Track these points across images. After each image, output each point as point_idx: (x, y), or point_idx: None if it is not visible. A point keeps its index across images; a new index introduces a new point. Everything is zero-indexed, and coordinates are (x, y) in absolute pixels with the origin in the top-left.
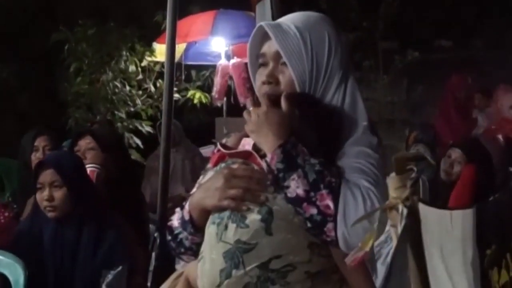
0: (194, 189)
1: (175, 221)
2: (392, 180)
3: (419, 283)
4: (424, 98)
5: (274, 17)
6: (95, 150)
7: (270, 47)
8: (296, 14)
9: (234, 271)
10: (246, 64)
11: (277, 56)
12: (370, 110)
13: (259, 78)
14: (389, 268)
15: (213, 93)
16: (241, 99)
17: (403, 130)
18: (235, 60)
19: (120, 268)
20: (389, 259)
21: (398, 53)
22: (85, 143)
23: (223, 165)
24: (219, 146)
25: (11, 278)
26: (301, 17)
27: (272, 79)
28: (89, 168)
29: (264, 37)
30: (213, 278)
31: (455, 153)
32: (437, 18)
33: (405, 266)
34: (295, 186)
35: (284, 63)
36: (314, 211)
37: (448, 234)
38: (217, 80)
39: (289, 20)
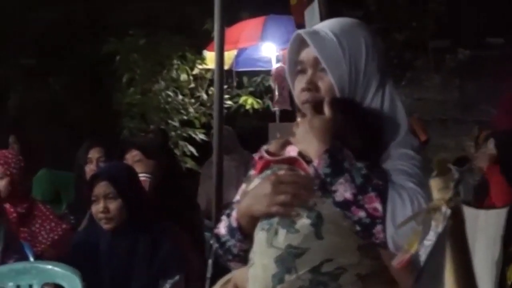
0: (237, 197)
1: (222, 228)
2: (435, 182)
3: (460, 284)
4: (476, 96)
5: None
6: (143, 161)
7: (308, 54)
8: (332, 21)
9: (286, 276)
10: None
11: (315, 63)
12: (421, 109)
13: (298, 85)
14: (422, 269)
15: (275, 99)
16: (282, 105)
17: (455, 129)
18: (278, 65)
19: (177, 277)
20: (423, 259)
21: (448, 52)
22: (131, 156)
23: (269, 171)
24: (263, 153)
25: None
26: (338, 23)
27: (312, 86)
28: (141, 178)
29: (302, 44)
30: (265, 284)
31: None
32: (487, 15)
33: (440, 268)
34: (343, 190)
35: (323, 70)
36: (362, 214)
37: (481, 232)
38: (275, 86)
39: (326, 26)
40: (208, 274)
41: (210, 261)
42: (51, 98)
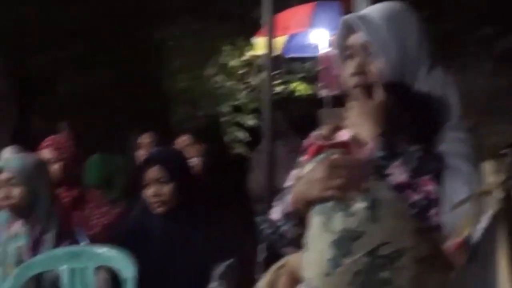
0: (289, 182)
1: (275, 214)
2: (488, 165)
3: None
4: None
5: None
6: (194, 145)
7: (357, 39)
8: (380, 5)
9: (343, 260)
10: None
11: (364, 48)
12: (472, 96)
13: (348, 70)
14: (475, 252)
15: (320, 84)
16: (331, 91)
17: (507, 115)
18: (326, 50)
19: (229, 261)
20: (476, 242)
21: (499, 38)
22: (182, 141)
23: (322, 156)
24: (315, 138)
25: (121, 274)
26: (386, 8)
27: (361, 70)
28: (193, 162)
29: (350, 29)
30: (321, 268)
31: None
32: None
33: (492, 250)
34: (398, 173)
35: (372, 54)
36: (417, 197)
37: None
38: (324, 71)
39: (374, 11)
40: (260, 259)
41: (262, 247)
42: (102, 84)
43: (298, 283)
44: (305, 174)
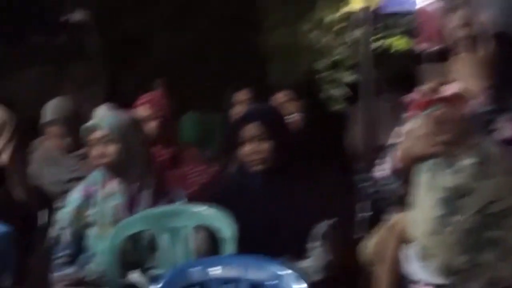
0: (393, 139)
1: (380, 172)
2: None
3: None
4: None
5: None
6: (291, 102)
7: None
8: None
9: (450, 218)
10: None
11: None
12: None
13: (453, 23)
14: None
15: (419, 39)
16: (428, 45)
17: None
18: (425, 3)
19: (330, 221)
20: None
21: None
22: (279, 97)
23: (428, 111)
24: (419, 94)
25: (220, 233)
26: None
27: (467, 22)
28: (290, 119)
29: None
30: (428, 227)
31: None
32: None
33: None
34: (506, 128)
35: (477, 6)
36: None
37: None
38: (423, 25)
39: None
40: (361, 219)
41: (363, 206)
42: (196, 42)
43: (407, 243)
44: (410, 130)
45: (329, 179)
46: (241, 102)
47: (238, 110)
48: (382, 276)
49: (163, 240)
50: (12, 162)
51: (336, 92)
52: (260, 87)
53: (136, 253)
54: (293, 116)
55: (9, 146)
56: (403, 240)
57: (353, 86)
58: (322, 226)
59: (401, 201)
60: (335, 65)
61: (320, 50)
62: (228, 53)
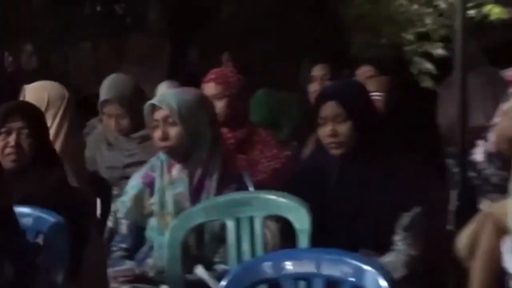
0: (495, 119)
1: (478, 155)
2: None
3: None
4: None
5: None
6: (376, 77)
7: None
8: None
9: None
10: None
11: None
12: None
13: None
14: None
15: None
16: None
17: None
18: None
19: (417, 209)
20: None
21: None
22: (362, 72)
23: None
24: None
25: (294, 223)
26: None
27: None
28: (374, 97)
29: None
30: None
31: None
32: None
33: None
34: None
35: None
36: None
37: None
38: None
39: None
40: (453, 207)
41: (455, 193)
42: (268, 9)
43: (505, 234)
44: (508, 109)
45: (417, 164)
46: (318, 78)
47: (315, 87)
48: (476, 271)
49: (231, 232)
50: (66, 146)
51: (426, 66)
52: (341, 61)
53: (201, 246)
54: (378, 94)
55: (63, 128)
56: (501, 231)
57: (444, 60)
58: (407, 216)
59: (497, 188)
60: (425, 36)
61: (408, 20)
62: (304, 23)
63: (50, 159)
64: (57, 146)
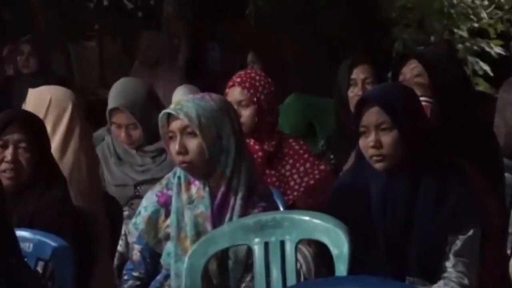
0: None
1: None
2: None
3: None
4: None
5: None
6: (424, 77)
7: None
8: None
9: None
10: None
11: None
12: None
13: None
14: None
15: None
16: None
17: None
18: None
19: (471, 231)
20: None
21: None
22: (409, 69)
23: None
24: None
25: (331, 248)
26: None
27: None
28: (422, 102)
29: None
30: None
31: None
32: None
33: None
34: None
35: None
36: None
37: None
38: None
39: None
40: (510, 229)
41: None
42: (298, 2)
43: None
44: None
45: (470, 179)
46: (359, 81)
47: (356, 91)
48: None
49: (259, 258)
50: (74, 162)
51: (482, 66)
52: (384, 61)
53: (224, 274)
54: (426, 98)
55: (71, 140)
56: None
57: (503, 60)
58: (460, 240)
59: None
60: (481, 33)
61: (461, 13)
62: (341, 17)
63: (52, 176)
64: (66, 161)
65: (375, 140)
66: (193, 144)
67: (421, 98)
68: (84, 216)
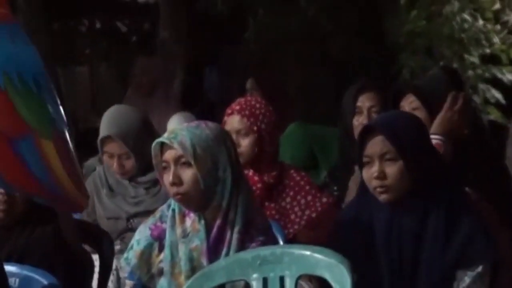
0: None
1: None
2: None
3: None
4: None
5: None
6: (422, 112)
7: None
8: None
9: None
10: None
11: None
12: None
13: None
14: None
15: None
16: None
17: None
18: None
19: (480, 268)
20: None
21: None
22: (407, 103)
23: None
24: None
25: (334, 284)
26: None
27: None
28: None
29: None
30: None
31: None
32: None
33: None
34: None
35: None
36: None
37: None
38: None
39: None
40: None
41: None
42: (302, 26)
43: None
44: None
45: (481, 211)
46: (365, 109)
47: (361, 120)
48: None
49: None
50: None
51: (494, 95)
52: (391, 88)
53: None
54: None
55: None
56: None
57: None
58: (468, 277)
59: None
60: (493, 59)
61: (471, 38)
62: (346, 41)
63: (45, 210)
64: None
65: (379, 171)
66: (187, 175)
67: (432, 136)
68: (78, 253)
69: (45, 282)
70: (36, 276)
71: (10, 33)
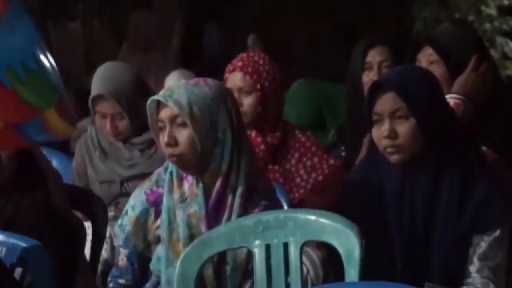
0: None
1: None
2: None
3: None
4: None
5: None
6: (439, 66)
7: None
8: None
9: None
10: None
11: None
12: None
13: None
14: None
15: None
16: None
17: None
18: None
19: (497, 232)
20: None
21: None
22: (425, 56)
23: None
24: None
25: (341, 250)
26: None
27: None
28: (449, 100)
29: None
30: None
31: None
32: None
33: None
34: None
35: None
36: None
37: None
38: None
39: None
40: None
41: None
42: None
43: None
44: None
45: (497, 174)
46: (375, 65)
47: (371, 76)
48: None
49: (260, 262)
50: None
51: (511, 48)
52: (402, 42)
53: (221, 281)
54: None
55: None
56: None
57: None
58: (485, 242)
59: None
60: (510, 11)
61: None
62: None
63: (34, 177)
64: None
65: (389, 130)
66: (183, 135)
67: (451, 96)
68: (68, 219)
69: (35, 249)
70: (24, 245)
71: (8, 23)
